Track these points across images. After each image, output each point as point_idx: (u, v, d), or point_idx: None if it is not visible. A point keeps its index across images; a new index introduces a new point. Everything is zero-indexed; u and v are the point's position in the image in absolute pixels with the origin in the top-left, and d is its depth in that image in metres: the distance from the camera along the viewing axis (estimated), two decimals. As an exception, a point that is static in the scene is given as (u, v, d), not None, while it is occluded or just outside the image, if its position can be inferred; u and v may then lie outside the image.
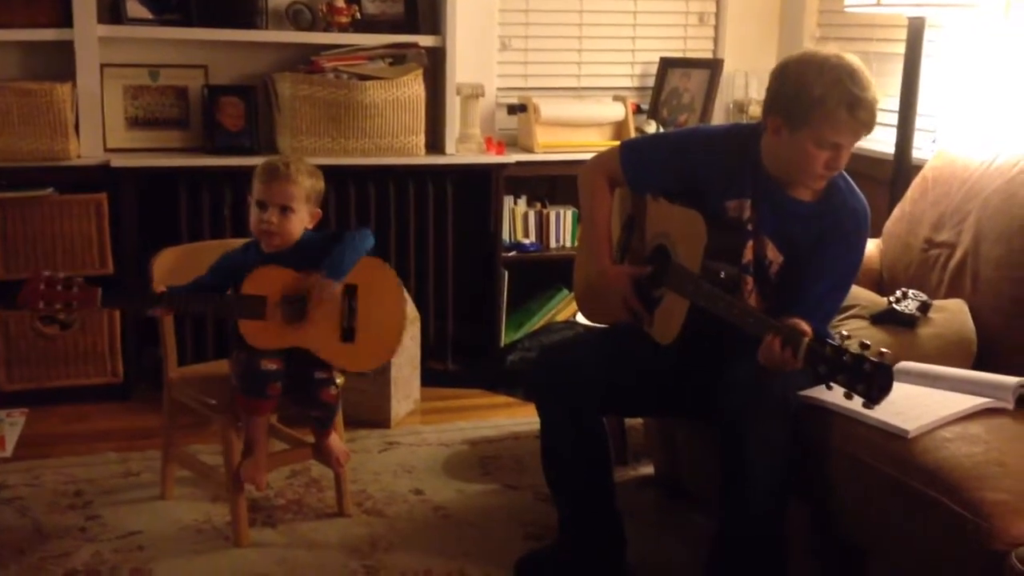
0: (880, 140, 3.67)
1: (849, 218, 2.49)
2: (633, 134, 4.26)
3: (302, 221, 2.75)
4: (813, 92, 2.32)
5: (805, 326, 2.22)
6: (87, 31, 3.66)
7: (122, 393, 3.76)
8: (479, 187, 4.09)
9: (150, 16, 3.81)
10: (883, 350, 2.03)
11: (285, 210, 2.70)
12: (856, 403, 2.07)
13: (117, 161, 3.68)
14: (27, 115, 3.55)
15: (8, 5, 3.61)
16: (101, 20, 3.70)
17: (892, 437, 2.20)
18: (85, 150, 3.72)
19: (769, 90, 2.45)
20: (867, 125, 2.35)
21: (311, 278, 2.68)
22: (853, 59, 2.37)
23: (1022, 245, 2.69)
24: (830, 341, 2.13)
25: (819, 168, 2.40)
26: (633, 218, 2.73)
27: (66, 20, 3.64)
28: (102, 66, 3.76)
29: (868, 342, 2.05)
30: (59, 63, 3.71)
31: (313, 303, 2.69)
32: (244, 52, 3.95)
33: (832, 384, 2.09)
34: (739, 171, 2.53)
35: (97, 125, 3.76)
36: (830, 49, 2.40)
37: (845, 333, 2.12)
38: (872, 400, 2.02)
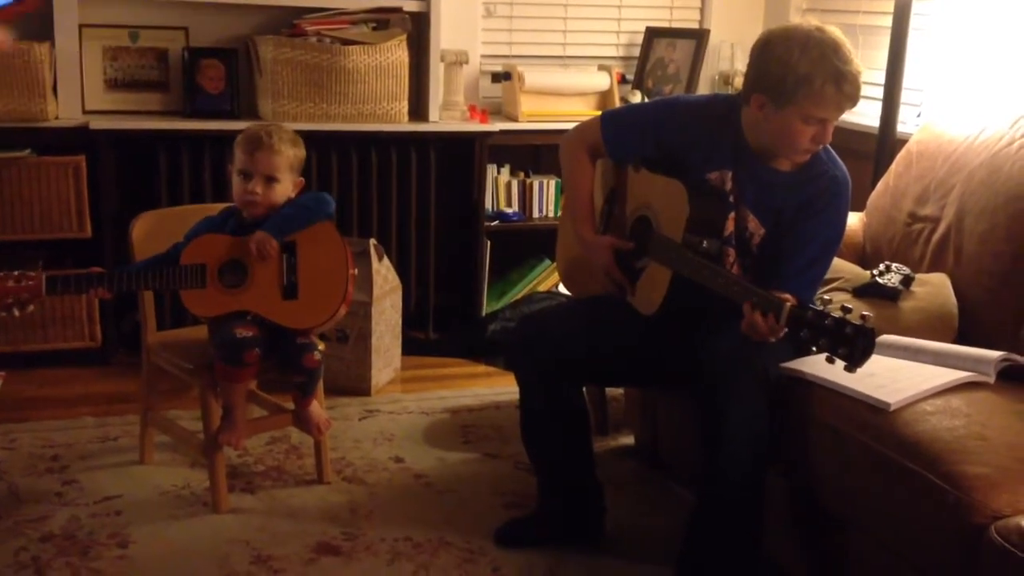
0: (865, 114, 3.66)
1: (830, 186, 2.48)
2: (618, 104, 4.23)
3: (286, 191, 2.74)
4: (799, 70, 2.31)
5: (787, 295, 2.22)
6: (66, -10, 3.60)
7: (100, 357, 3.74)
8: (462, 155, 4.06)
9: (130, -24, 3.76)
10: (865, 313, 2.03)
11: (270, 180, 2.70)
12: (838, 371, 2.07)
13: (96, 123, 3.63)
14: (4, 75, 3.49)
15: (-15, -38, 3.56)
16: (80, -21, 3.64)
17: (873, 410, 2.20)
18: (63, 112, 3.67)
19: (752, 66, 2.43)
20: (852, 98, 2.35)
21: (250, 238, 2.66)
22: (835, 31, 2.35)
23: (1005, 220, 2.68)
24: (812, 306, 2.12)
25: (805, 143, 2.40)
26: (615, 190, 2.72)
27: (45, -22, 3.59)
28: (81, 26, 3.70)
29: (850, 306, 2.05)
30: (37, 22, 3.64)
31: (252, 259, 2.66)
32: (226, 14, 3.90)
33: (814, 347, 2.09)
34: (720, 142, 2.52)
35: (76, 86, 3.71)
36: (810, 22, 2.38)
37: (827, 298, 2.12)
38: (853, 363, 2.02)
